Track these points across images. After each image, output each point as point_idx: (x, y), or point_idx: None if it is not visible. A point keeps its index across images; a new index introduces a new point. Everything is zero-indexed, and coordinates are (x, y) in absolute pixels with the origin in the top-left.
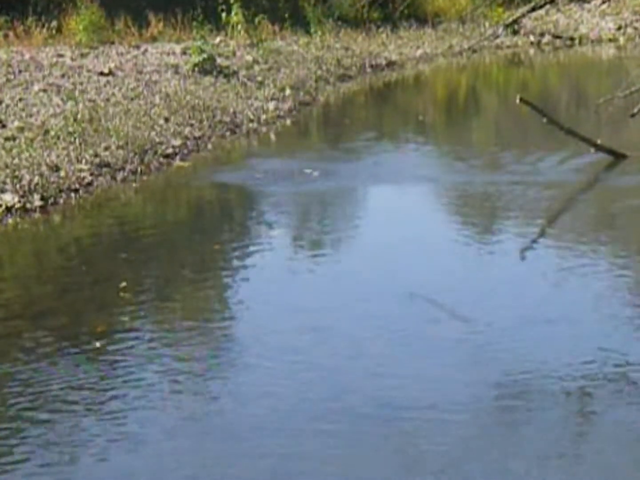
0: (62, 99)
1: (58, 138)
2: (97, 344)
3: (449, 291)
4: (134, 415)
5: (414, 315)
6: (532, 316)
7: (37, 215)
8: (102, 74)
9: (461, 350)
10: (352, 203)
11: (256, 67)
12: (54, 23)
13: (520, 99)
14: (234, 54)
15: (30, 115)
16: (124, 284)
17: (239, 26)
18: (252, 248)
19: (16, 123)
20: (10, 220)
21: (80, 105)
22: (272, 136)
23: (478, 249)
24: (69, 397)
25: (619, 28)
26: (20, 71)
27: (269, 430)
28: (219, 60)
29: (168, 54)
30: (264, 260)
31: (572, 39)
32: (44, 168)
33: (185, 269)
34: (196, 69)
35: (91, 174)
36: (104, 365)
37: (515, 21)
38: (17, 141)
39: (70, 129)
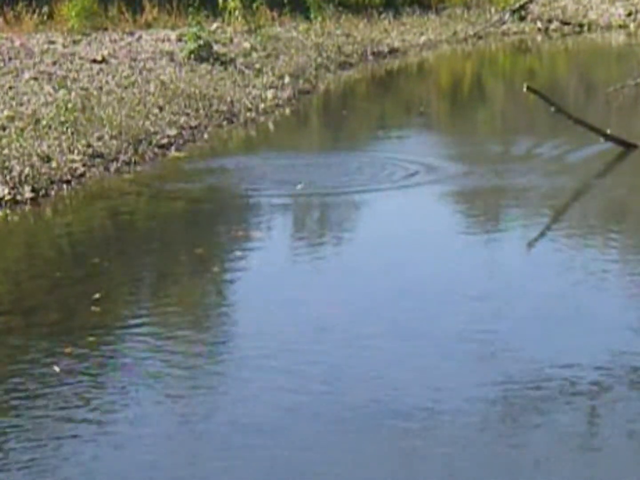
0: (53, 87)
1: (49, 128)
2: (87, 340)
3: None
4: (125, 413)
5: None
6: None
7: (27, 207)
8: (95, 61)
9: (467, 347)
10: (351, 206)
11: (254, 54)
12: (45, 8)
13: (527, 88)
14: (231, 40)
15: (21, 104)
16: (118, 278)
17: (236, 12)
18: (249, 250)
19: (6, 112)
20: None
21: (73, 94)
22: (271, 126)
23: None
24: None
25: (629, 14)
26: (10, 58)
27: (266, 430)
28: (215, 47)
29: (163, 41)
30: (262, 263)
31: (580, 25)
32: (34, 159)
33: (177, 266)
34: (192, 56)
35: (83, 165)
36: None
37: (522, 7)
38: (7, 131)
39: (62, 119)
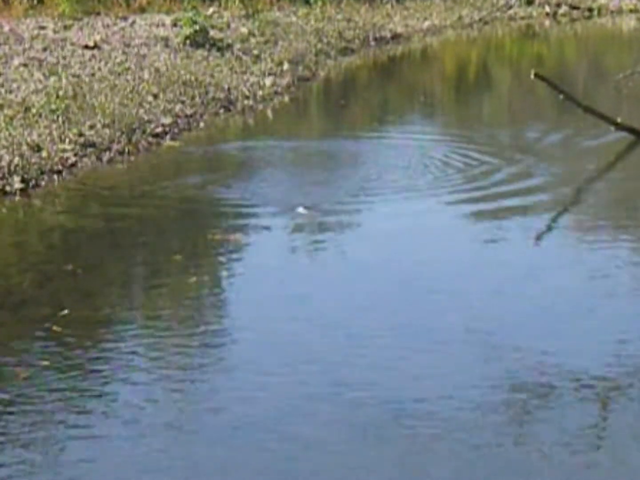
0: (44, 74)
1: (40, 116)
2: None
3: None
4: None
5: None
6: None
7: (17, 198)
8: (87, 47)
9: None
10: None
11: (252, 40)
12: None
13: (535, 75)
14: (228, 25)
15: (10, 92)
16: (117, 270)
17: None
18: (248, 252)
19: None
20: None
21: (64, 81)
22: (269, 114)
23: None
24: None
25: None
26: None
27: (264, 429)
28: (212, 33)
29: (157, 26)
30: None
31: (590, 9)
32: (24, 148)
33: (166, 266)
34: (187, 41)
35: (75, 155)
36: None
37: None
38: None
39: (53, 106)
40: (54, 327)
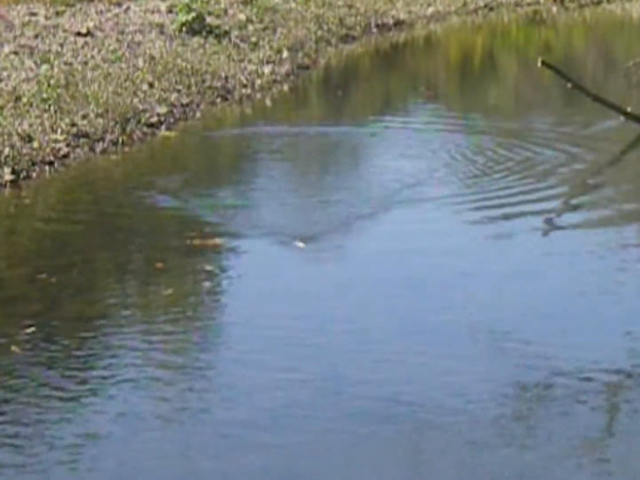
0: (35, 62)
1: (31, 105)
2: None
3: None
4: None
5: None
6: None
7: (7, 190)
8: (79, 34)
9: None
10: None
11: (250, 27)
12: None
13: (542, 62)
14: (225, 12)
15: (0, 80)
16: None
17: None
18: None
19: None
20: None
21: (56, 69)
22: (268, 103)
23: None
24: None
25: None
26: None
27: (263, 427)
28: (208, 19)
29: (152, 12)
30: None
31: None
32: (15, 138)
33: (162, 258)
34: (184, 28)
35: (67, 145)
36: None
37: None
38: None
39: (45, 95)
40: (13, 348)
